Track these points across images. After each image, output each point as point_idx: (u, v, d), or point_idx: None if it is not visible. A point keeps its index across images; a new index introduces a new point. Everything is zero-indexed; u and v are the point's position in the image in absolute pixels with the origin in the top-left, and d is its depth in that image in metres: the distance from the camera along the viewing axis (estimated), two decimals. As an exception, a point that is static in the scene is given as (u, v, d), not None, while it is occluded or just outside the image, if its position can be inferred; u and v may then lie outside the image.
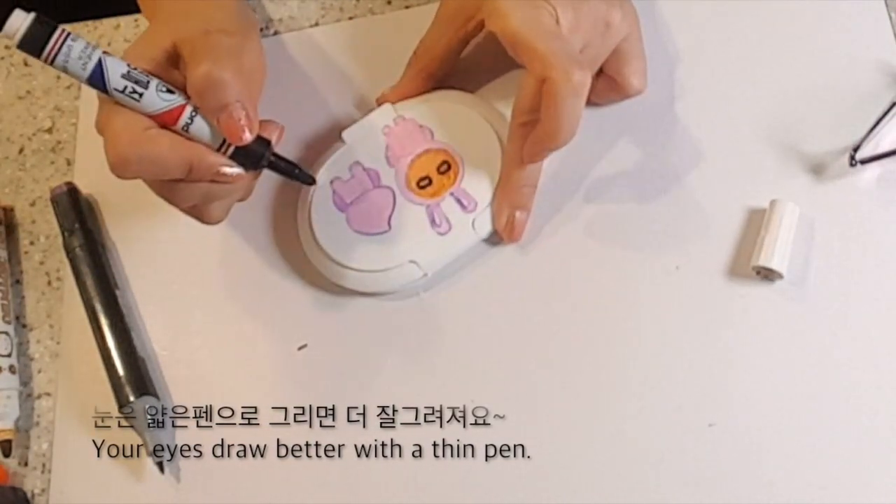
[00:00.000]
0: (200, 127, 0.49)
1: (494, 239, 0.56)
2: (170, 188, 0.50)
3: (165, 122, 0.48)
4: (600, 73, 0.54)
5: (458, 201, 0.56)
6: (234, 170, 0.50)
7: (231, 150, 0.50)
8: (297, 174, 0.54)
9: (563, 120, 0.49)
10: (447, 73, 0.58)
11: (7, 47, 0.72)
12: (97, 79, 0.47)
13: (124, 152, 0.47)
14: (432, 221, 0.55)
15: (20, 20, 0.42)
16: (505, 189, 0.55)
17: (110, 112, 0.48)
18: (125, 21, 0.70)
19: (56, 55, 0.44)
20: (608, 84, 0.55)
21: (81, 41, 0.45)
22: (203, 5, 0.53)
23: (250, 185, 0.53)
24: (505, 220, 0.55)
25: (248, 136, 0.49)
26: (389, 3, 0.65)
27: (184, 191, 0.50)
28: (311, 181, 0.56)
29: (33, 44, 0.43)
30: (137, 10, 0.69)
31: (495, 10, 0.51)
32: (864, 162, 0.52)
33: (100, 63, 0.46)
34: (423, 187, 0.56)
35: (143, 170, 0.48)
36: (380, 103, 0.59)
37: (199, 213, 0.53)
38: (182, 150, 0.48)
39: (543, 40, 0.49)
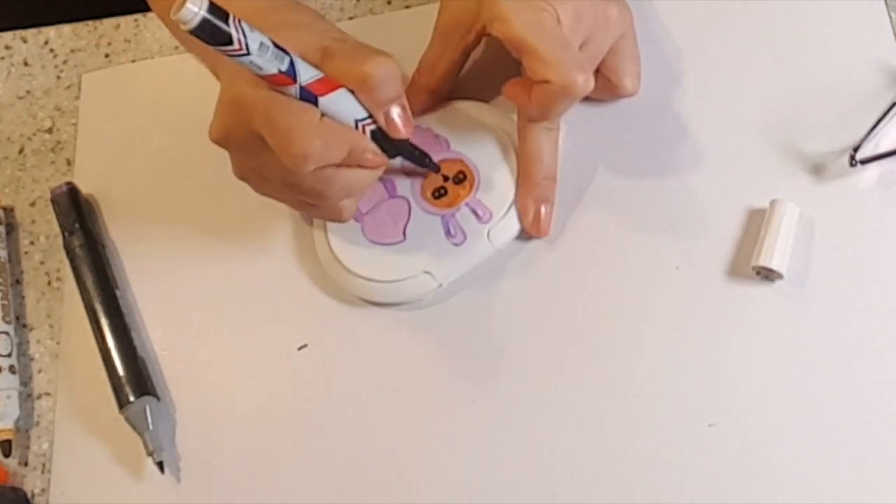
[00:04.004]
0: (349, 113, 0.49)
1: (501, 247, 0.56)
2: (327, 180, 0.50)
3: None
4: (595, 71, 0.55)
5: (474, 212, 0.55)
6: (380, 154, 0.51)
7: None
8: (427, 163, 0.55)
9: (550, 113, 0.52)
10: (450, 88, 0.58)
11: (7, 47, 0.72)
12: (290, 69, 0.46)
13: (310, 146, 0.47)
14: (447, 232, 0.55)
15: (197, 4, 0.40)
16: (525, 185, 0.55)
17: (281, 106, 0.47)
18: (125, 21, 0.71)
19: (247, 39, 0.43)
20: (602, 83, 0.55)
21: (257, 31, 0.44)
22: (308, 18, 0.53)
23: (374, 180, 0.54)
24: (532, 216, 0.55)
25: (409, 130, 0.51)
26: (389, 3, 0.65)
27: (335, 181, 0.50)
28: (437, 169, 0.56)
29: (212, 29, 0.42)
30: (137, 10, 0.69)
31: (497, 15, 0.51)
32: (864, 162, 0.52)
33: (286, 52, 0.45)
34: (438, 197, 0.56)
35: (321, 158, 0.48)
36: None
37: (336, 212, 0.53)
38: (346, 134, 0.49)
39: (549, 48, 0.49)
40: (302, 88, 0.46)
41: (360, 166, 0.50)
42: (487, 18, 0.52)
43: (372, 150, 0.50)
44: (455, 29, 0.55)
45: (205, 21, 0.41)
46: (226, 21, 0.42)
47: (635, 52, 0.56)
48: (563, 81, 0.49)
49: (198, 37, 0.41)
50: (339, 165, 0.49)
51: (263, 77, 0.45)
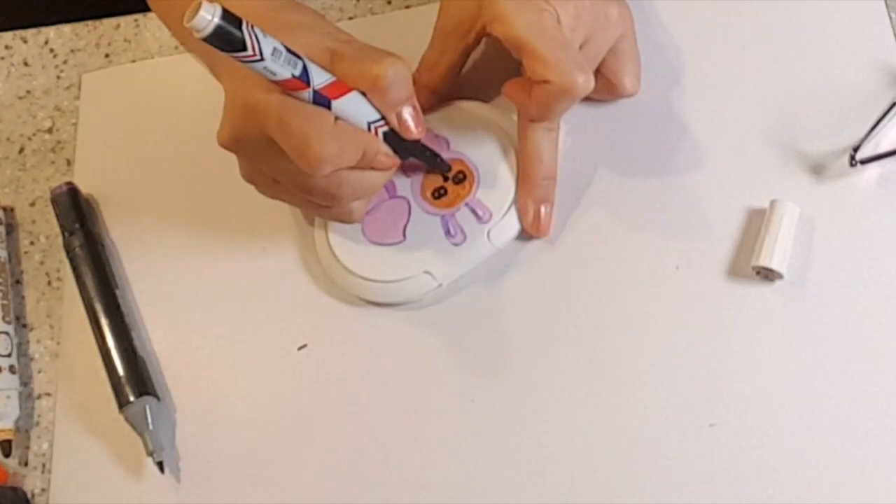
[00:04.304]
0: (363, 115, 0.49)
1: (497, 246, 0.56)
2: (340, 182, 0.50)
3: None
4: (596, 72, 0.55)
5: (473, 211, 0.55)
6: (393, 156, 0.51)
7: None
8: (438, 162, 0.55)
9: (550, 113, 0.52)
10: (451, 87, 0.58)
11: (7, 47, 0.72)
12: (303, 74, 0.45)
13: (325, 150, 0.47)
14: (447, 232, 0.55)
15: (210, 12, 0.40)
16: (525, 185, 0.55)
17: (294, 111, 0.46)
18: (125, 21, 0.70)
19: (260, 45, 0.42)
20: (602, 83, 0.55)
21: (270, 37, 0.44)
22: (312, 19, 0.53)
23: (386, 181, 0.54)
24: (532, 216, 0.55)
25: (421, 130, 0.50)
26: (389, 3, 0.65)
27: (348, 183, 0.50)
28: (448, 168, 0.56)
29: (226, 36, 0.41)
30: (137, 10, 0.69)
31: (497, 15, 0.51)
32: (864, 162, 0.52)
33: (299, 56, 0.45)
34: (438, 197, 0.56)
35: (337, 162, 0.48)
36: None
37: (347, 214, 0.54)
38: (359, 137, 0.49)
39: (549, 49, 0.49)
40: (315, 92, 0.46)
41: (372, 168, 0.50)
42: (488, 18, 0.51)
43: (385, 152, 0.50)
44: (455, 29, 0.55)
45: (219, 28, 0.41)
46: (239, 27, 0.42)
47: (635, 52, 0.56)
48: (563, 82, 0.49)
49: (212, 44, 0.41)
50: (351, 168, 0.49)
51: (276, 82, 0.45)
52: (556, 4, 0.50)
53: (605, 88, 0.55)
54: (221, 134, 0.50)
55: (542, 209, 0.55)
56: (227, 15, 0.41)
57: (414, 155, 0.53)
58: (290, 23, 0.51)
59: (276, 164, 0.50)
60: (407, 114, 0.50)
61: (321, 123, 0.47)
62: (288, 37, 0.46)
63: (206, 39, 0.41)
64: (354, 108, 0.48)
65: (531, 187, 0.55)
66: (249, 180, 0.53)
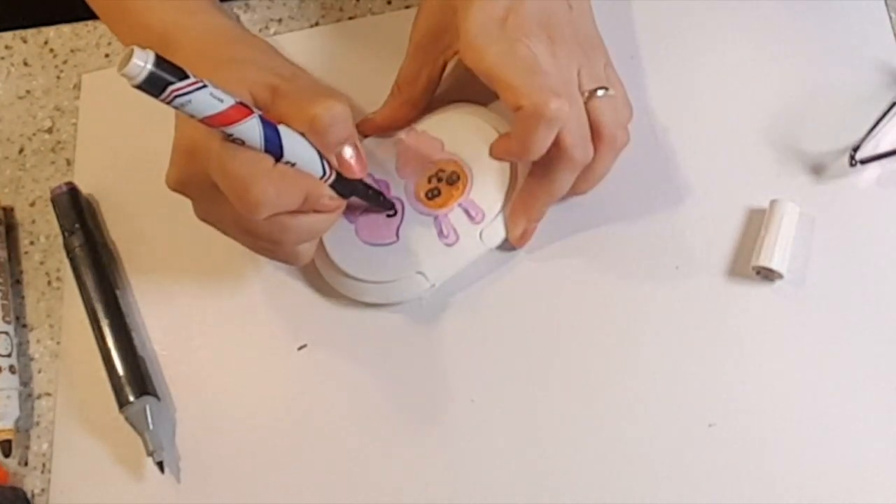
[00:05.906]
0: (311, 159, 0.48)
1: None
2: (282, 227, 0.49)
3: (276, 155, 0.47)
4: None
5: (466, 212, 0.55)
6: (337, 198, 0.50)
7: (332, 179, 0.50)
8: (381, 201, 0.55)
9: (530, 145, 0.49)
10: (430, 98, 0.57)
11: (7, 47, 0.72)
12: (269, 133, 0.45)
13: (262, 193, 0.46)
14: (440, 232, 0.55)
15: (144, 59, 0.40)
16: (526, 203, 0.54)
17: (229, 155, 0.46)
18: (125, 21, 0.70)
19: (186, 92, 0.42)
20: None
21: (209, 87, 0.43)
22: (258, 53, 0.52)
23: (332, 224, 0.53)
24: (521, 233, 0.55)
25: (363, 170, 0.50)
26: (389, 3, 0.65)
27: (291, 228, 0.50)
28: (391, 207, 0.56)
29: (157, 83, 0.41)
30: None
31: (470, 46, 0.50)
32: (864, 162, 0.52)
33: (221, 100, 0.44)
34: (431, 198, 0.56)
35: (276, 206, 0.47)
36: (365, 128, 0.58)
37: (293, 257, 0.53)
38: (301, 181, 0.48)
39: (518, 74, 0.48)
40: (264, 121, 0.46)
41: (316, 211, 0.50)
42: (462, 49, 0.51)
43: (329, 195, 0.49)
44: (432, 45, 0.55)
45: (152, 76, 0.40)
46: (174, 76, 0.41)
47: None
48: (534, 103, 0.47)
49: (144, 91, 0.41)
50: (295, 212, 0.49)
51: (201, 120, 0.44)
52: (529, 41, 0.49)
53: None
54: (168, 178, 0.51)
55: (533, 226, 0.55)
56: (160, 62, 0.40)
57: (357, 194, 0.53)
58: (235, 57, 0.51)
59: (220, 207, 0.49)
60: (348, 154, 0.49)
61: (259, 167, 0.46)
62: (230, 73, 0.46)
63: (139, 87, 0.40)
64: (300, 147, 0.48)
65: (530, 207, 0.54)
66: (204, 220, 0.53)
